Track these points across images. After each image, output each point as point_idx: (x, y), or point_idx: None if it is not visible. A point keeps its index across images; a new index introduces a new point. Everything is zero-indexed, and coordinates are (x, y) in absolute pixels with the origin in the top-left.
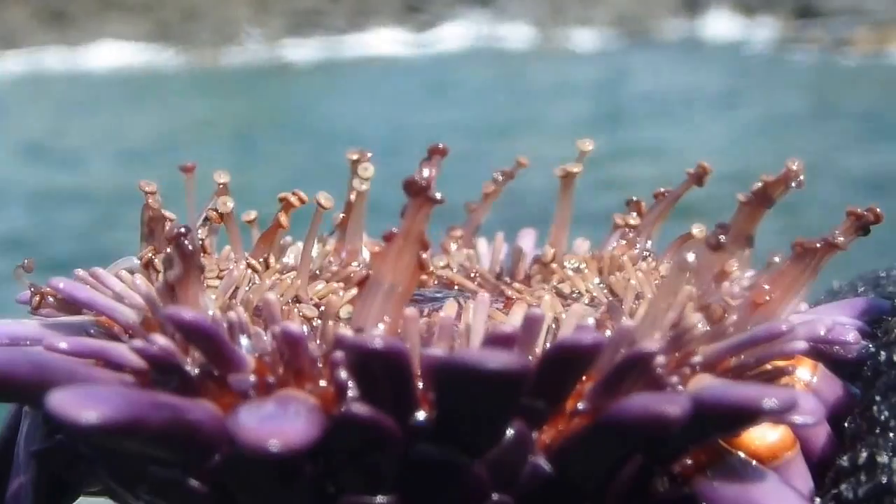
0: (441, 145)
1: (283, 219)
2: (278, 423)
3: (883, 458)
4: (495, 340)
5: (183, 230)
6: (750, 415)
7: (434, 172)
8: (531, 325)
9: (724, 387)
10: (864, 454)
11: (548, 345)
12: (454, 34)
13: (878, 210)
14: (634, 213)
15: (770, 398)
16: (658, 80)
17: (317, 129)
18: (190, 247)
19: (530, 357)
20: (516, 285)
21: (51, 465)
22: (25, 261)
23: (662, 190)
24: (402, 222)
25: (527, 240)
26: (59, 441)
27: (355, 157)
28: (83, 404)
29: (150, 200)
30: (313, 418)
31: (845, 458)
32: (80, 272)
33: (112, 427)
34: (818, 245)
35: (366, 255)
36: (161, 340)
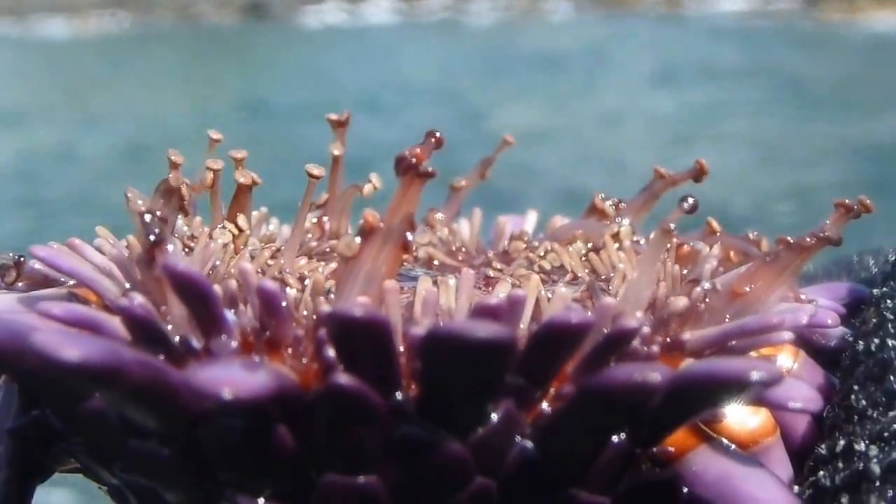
0: (438, 133)
1: (248, 176)
2: (235, 374)
3: (860, 446)
4: (481, 312)
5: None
6: (737, 387)
7: (425, 150)
8: (514, 305)
9: (710, 361)
10: (841, 442)
11: (534, 324)
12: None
13: (867, 201)
14: (611, 203)
15: (757, 370)
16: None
17: (278, 100)
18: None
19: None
20: (497, 263)
21: (25, 443)
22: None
23: (663, 171)
24: (392, 200)
25: (506, 218)
26: (34, 417)
27: (334, 118)
28: (67, 343)
29: (172, 173)
30: (275, 376)
31: (823, 446)
32: (56, 245)
33: (92, 369)
34: (808, 242)
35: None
36: (139, 298)
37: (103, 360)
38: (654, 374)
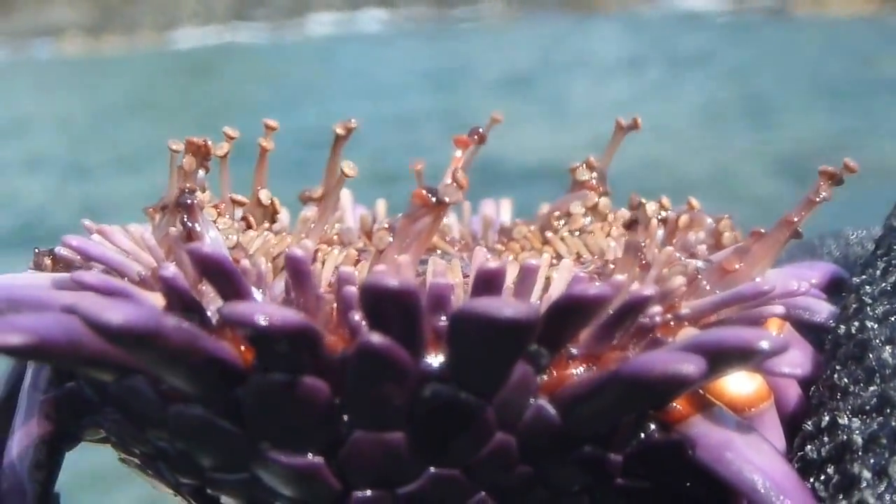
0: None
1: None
2: (268, 308)
3: (843, 420)
4: (486, 276)
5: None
6: (744, 355)
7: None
8: (526, 275)
9: (717, 331)
10: (826, 418)
11: (549, 295)
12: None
13: (851, 163)
14: (586, 167)
15: (765, 339)
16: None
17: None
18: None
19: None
20: (497, 246)
21: (57, 413)
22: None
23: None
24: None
25: (492, 207)
26: (69, 389)
27: (341, 131)
28: (110, 308)
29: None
30: (304, 317)
31: (810, 423)
32: (89, 224)
33: (133, 331)
34: (795, 217)
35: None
36: (172, 267)
37: (144, 323)
38: (692, 367)
